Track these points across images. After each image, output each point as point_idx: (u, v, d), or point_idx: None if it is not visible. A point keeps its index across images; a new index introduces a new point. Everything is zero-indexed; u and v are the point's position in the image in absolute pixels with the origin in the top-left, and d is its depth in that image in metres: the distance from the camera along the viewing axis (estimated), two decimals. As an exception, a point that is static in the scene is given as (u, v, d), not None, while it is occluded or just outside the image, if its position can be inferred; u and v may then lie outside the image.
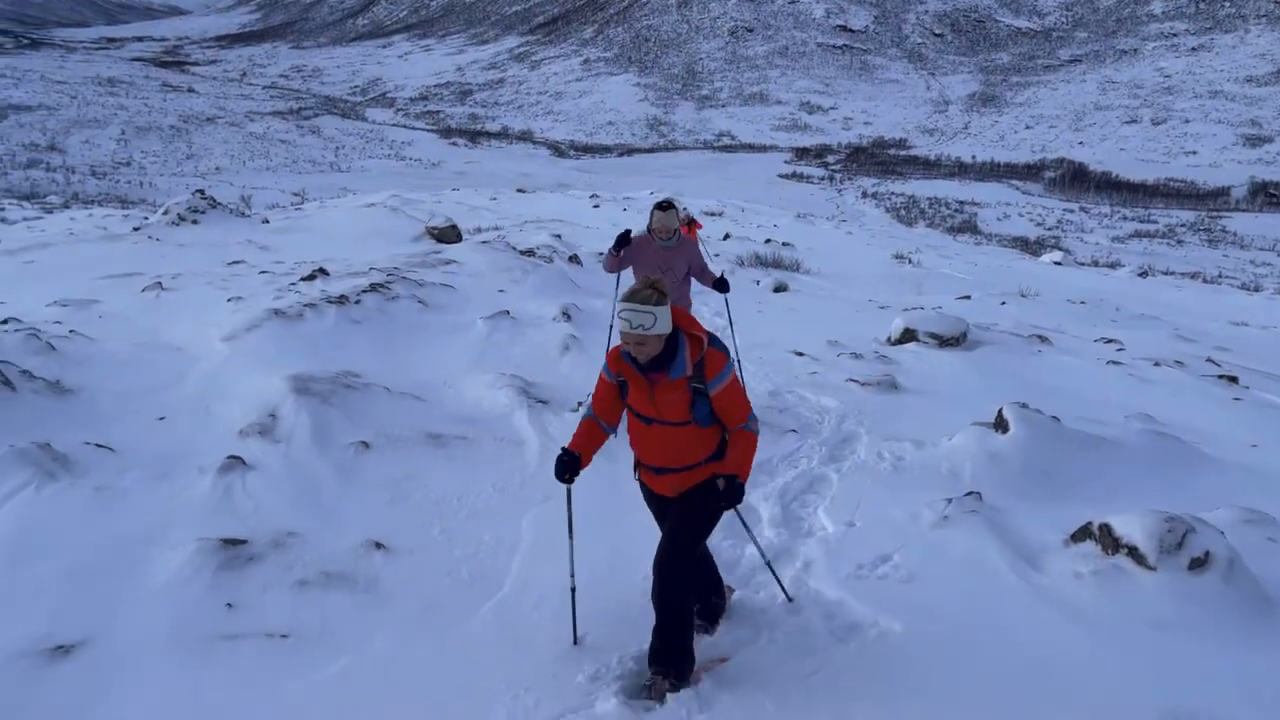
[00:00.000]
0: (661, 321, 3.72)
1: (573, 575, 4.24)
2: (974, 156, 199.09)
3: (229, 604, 4.33)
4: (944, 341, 10.58)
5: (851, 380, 8.70)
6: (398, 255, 15.63)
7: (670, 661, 3.83)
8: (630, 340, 3.74)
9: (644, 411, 3.96)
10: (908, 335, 10.82)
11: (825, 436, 7.06)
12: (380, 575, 4.72)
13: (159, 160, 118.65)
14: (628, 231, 7.29)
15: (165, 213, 22.36)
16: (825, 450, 6.75)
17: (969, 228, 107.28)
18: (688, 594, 3.93)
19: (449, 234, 20.16)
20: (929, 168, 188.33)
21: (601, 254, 16.61)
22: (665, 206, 7.09)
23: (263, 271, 13.65)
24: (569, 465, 3.99)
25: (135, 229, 22.12)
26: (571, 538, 4.27)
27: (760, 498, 5.85)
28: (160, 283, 12.43)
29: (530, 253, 15.79)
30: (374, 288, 10.88)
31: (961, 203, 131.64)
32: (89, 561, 4.61)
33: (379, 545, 5.01)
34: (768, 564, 4.63)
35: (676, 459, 3.99)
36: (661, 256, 7.10)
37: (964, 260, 30.91)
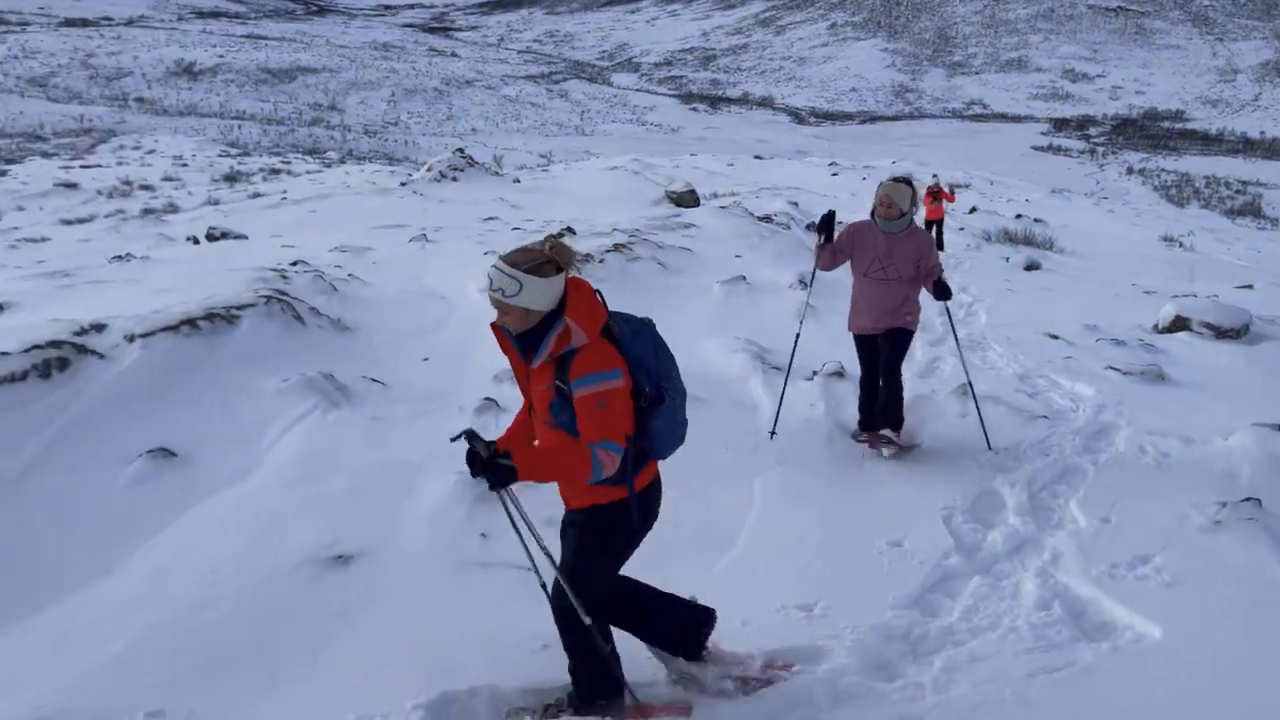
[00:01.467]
0: (530, 293, 3.05)
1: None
2: (1263, 132, 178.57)
3: (483, 534, 4.66)
4: (1222, 333, 9.61)
5: (1111, 368, 8.10)
6: (638, 217, 15.98)
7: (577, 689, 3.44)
8: (492, 303, 3.15)
9: (524, 398, 3.45)
10: (1179, 324, 9.92)
11: (1080, 426, 6.62)
12: (620, 522, 4.91)
13: (422, 120, 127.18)
14: (831, 213, 6.25)
15: (429, 170, 24.02)
16: (1079, 440, 6.33)
17: (1251, 210, 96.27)
18: (578, 629, 3.34)
19: (687, 198, 20.41)
20: (1208, 142, 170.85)
21: (812, 226, 16.27)
22: (899, 180, 6.04)
23: (515, 228, 14.39)
24: (480, 466, 3.03)
25: (402, 184, 23.94)
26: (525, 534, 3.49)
27: (1006, 483, 5.58)
28: (425, 234, 13.38)
29: (767, 219, 15.73)
30: (617, 248, 11.21)
31: (1245, 183, 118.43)
32: (365, 483, 5.10)
33: (618, 494, 5.21)
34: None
35: None
36: (883, 245, 5.98)
37: (1245, 245, 27.93)
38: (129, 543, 4.39)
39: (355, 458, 5.36)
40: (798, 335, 6.97)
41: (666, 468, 5.34)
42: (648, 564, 3.79)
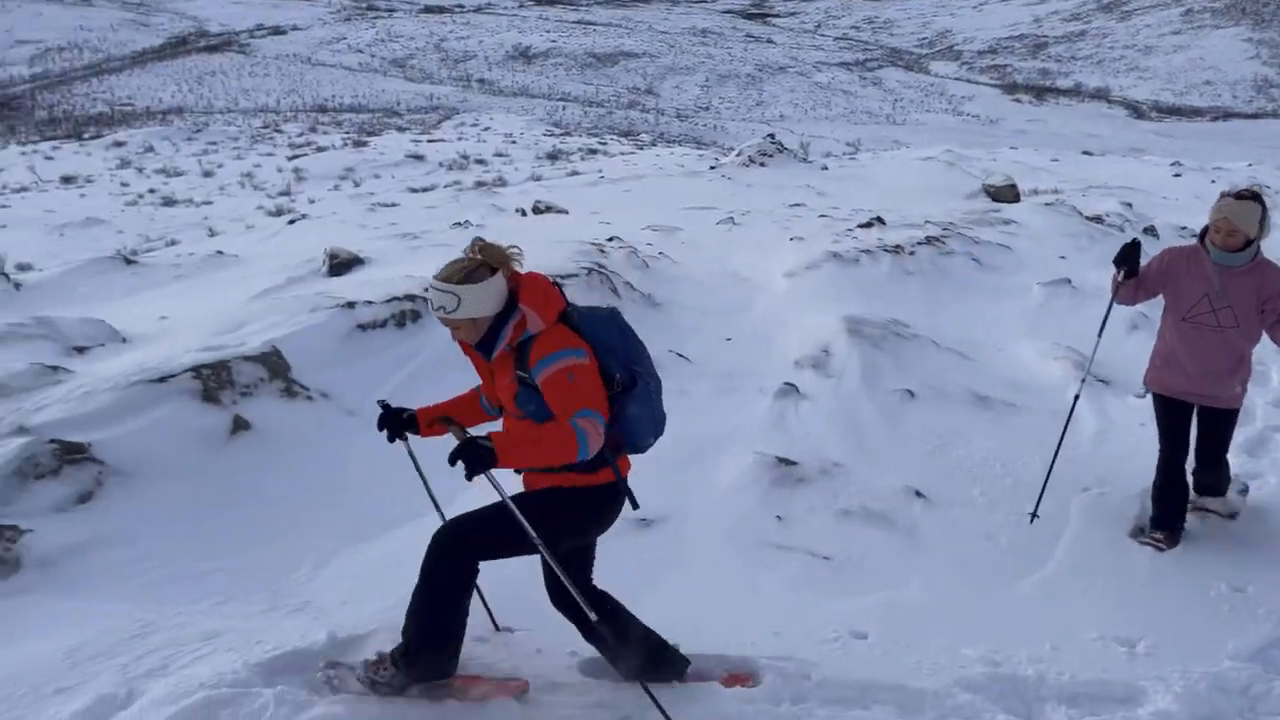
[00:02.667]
0: (470, 303, 3.05)
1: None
2: None
3: (779, 516, 4.70)
4: None
5: None
6: (952, 210, 15.29)
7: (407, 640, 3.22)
8: (441, 323, 3.20)
9: (490, 397, 3.42)
10: None
11: None
12: (919, 522, 4.77)
13: (732, 106, 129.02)
14: (1135, 243, 5.03)
15: (738, 154, 24.33)
16: None
17: None
18: (446, 563, 3.18)
19: (1006, 193, 19.26)
20: None
21: (1184, 230, 14.66)
22: (1244, 196, 4.57)
23: (821, 215, 14.26)
24: (381, 422, 3.52)
25: (711, 167, 24.44)
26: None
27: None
28: (732, 217, 13.61)
29: (1097, 219, 14.49)
30: (929, 241, 10.80)
31: None
32: (667, 453, 5.25)
33: (919, 493, 5.06)
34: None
35: None
36: (1217, 282, 4.54)
37: None
38: (458, 483, 4.83)
39: (669, 427, 5.56)
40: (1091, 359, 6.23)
41: (979, 470, 5.10)
42: (945, 571, 3.64)
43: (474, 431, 3.11)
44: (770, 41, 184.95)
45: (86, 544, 3.94)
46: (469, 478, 2.93)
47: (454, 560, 3.15)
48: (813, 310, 7.99)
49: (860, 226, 12.29)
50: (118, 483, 4.29)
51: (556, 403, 3.01)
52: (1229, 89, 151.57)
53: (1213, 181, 31.16)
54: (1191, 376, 4.71)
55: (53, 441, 4.36)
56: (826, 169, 24.33)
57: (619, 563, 4.21)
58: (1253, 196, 4.61)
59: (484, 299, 3.09)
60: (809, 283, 8.88)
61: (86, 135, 56.78)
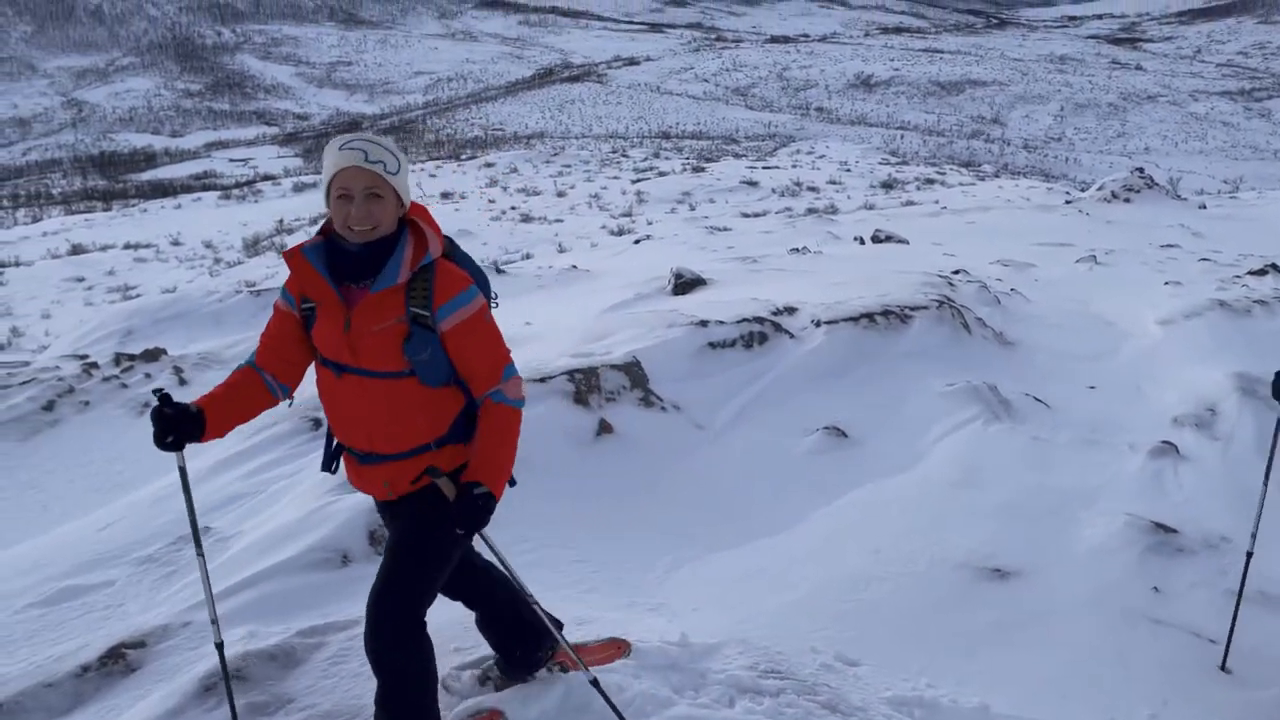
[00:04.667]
0: (404, 178, 2.45)
1: (215, 623, 2.82)
2: None
3: (1155, 588, 4.24)
4: None
5: None
6: (1370, 262, 13.13)
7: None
8: (353, 187, 2.36)
9: (334, 354, 2.50)
10: None
11: None
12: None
13: (1089, 137, 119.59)
14: None
15: (1099, 189, 22.52)
16: None
17: None
18: (408, 649, 2.53)
19: None
20: None
21: None
22: None
23: (1201, 259, 12.83)
24: (168, 421, 2.47)
25: (1066, 201, 22.81)
26: (200, 552, 2.80)
27: None
28: (1094, 256, 12.59)
29: None
30: (1342, 295, 9.33)
31: None
32: (1024, 503, 4.96)
33: (1333, 586, 4.35)
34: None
35: (388, 438, 2.52)
36: None
37: None
38: (804, 506, 4.85)
39: (1015, 475, 5.24)
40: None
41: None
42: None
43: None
44: (1139, 68, 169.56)
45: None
46: (470, 537, 2.51)
47: (408, 619, 2.58)
48: (1194, 363, 7.17)
49: (1251, 273, 10.89)
50: (502, 468, 4.74)
51: (480, 354, 2.53)
52: None
53: None
54: None
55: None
56: (1204, 208, 21.85)
57: (972, 613, 4.01)
58: None
59: (407, 187, 2.53)
60: (1188, 332, 7.98)
61: (464, 156, 63.83)
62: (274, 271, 23.57)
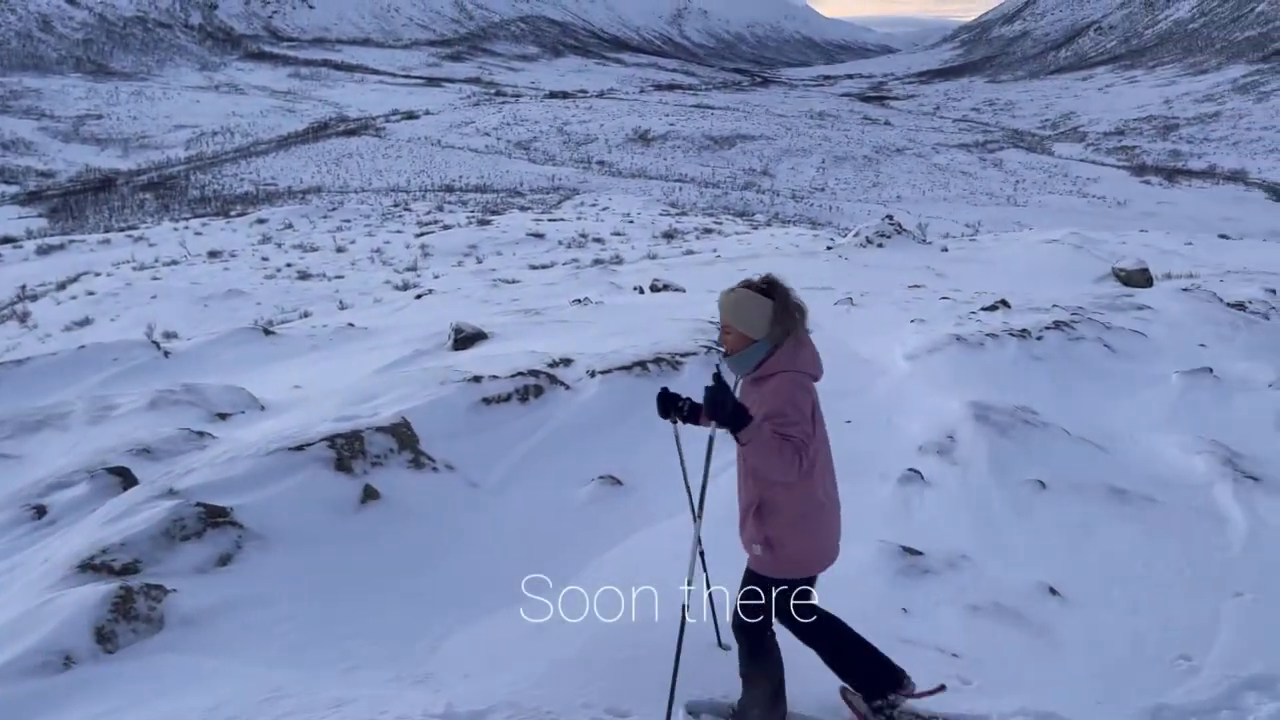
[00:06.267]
0: None
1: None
2: None
3: (904, 609, 4.53)
4: None
5: None
6: (1080, 295, 14.82)
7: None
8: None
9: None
10: None
11: None
12: (1054, 623, 4.53)
13: (848, 187, 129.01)
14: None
15: (856, 235, 24.25)
16: None
17: None
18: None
19: (1138, 277, 18.63)
20: None
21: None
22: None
23: (943, 297, 14.02)
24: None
25: (827, 248, 24.40)
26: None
27: None
28: (850, 298, 13.50)
29: (1240, 306, 13.78)
30: (1057, 325, 10.46)
31: None
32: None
33: (1053, 591, 4.81)
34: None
35: None
36: None
37: None
38: (582, 556, 4.85)
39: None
40: None
41: (1118, 570, 4.85)
42: (1083, 679, 3.40)
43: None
44: (888, 123, 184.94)
45: (226, 605, 4.08)
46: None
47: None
48: (936, 394, 7.80)
49: (984, 309, 12.02)
50: (256, 546, 4.46)
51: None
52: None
53: (1366, 267, 29.42)
54: None
55: (198, 505, 4.58)
56: (946, 250, 23.98)
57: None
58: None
59: None
60: (931, 366, 8.69)
61: (233, 213, 60.73)
62: (15, 343, 21.39)
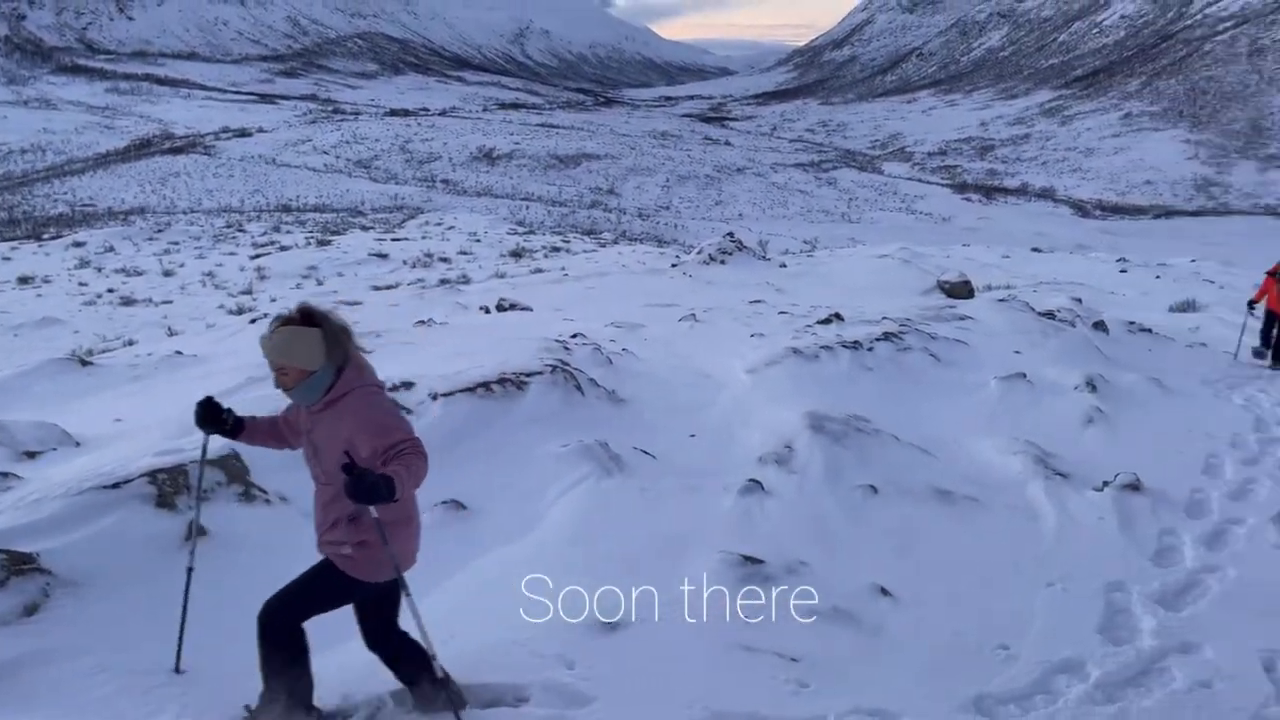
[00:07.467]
0: None
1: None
2: None
3: (746, 617, 4.65)
4: None
5: None
6: (908, 306, 15.62)
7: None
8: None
9: None
10: None
11: None
12: (886, 622, 4.74)
13: (692, 205, 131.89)
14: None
15: (699, 252, 24.79)
16: None
17: None
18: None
19: (960, 289, 19.78)
20: None
21: (1132, 324, 15.09)
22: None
23: (781, 312, 14.50)
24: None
25: (672, 265, 24.84)
26: None
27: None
28: (694, 314, 13.78)
29: (1049, 315, 14.85)
30: (887, 336, 11.00)
31: None
32: (635, 552, 5.24)
33: (885, 591, 5.04)
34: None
35: None
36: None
37: None
38: (425, 585, 4.73)
39: (626, 526, 5.54)
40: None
41: (945, 568, 5.11)
42: (913, 673, 3.55)
43: None
44: (728, 143, 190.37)
45: (33, 658, 3.78)
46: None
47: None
48: (775, 406, 8.05)
49: (819, 323, 12.50)
50: (67, 593, 4.15)
51: None
52: (1169, 188, 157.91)
53: (1157, 277, 32.27)
54: None
55: (0, 552, 4.23)
56: (785, 266, 24.83)
57: (591, 668, 4.14)
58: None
59: None
60: (770, 379, 8.97)
61: (46, 236, 56.54)
62: None
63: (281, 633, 3.62)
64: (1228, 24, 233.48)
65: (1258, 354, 13.56)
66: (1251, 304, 14.14)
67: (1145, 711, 4.06)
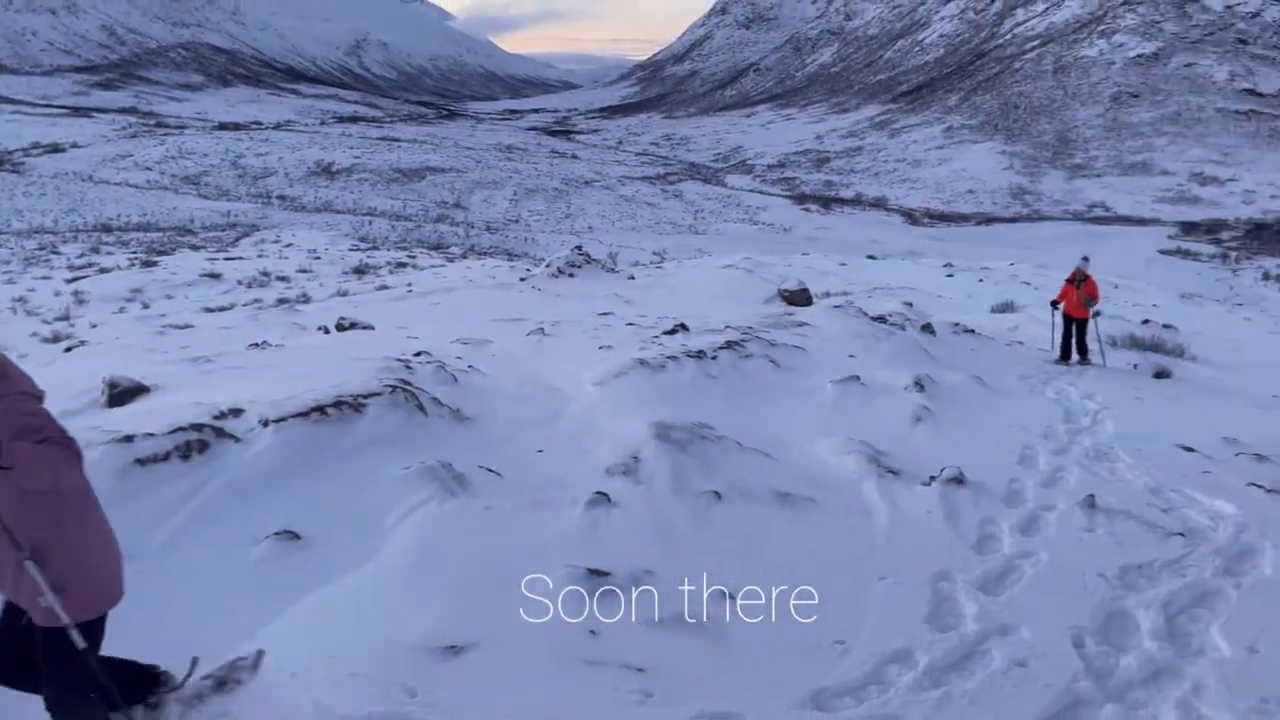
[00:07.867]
0: None
1: None
2: None
3: (592, 631, 4.64)
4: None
5: (1255, 485, 7.63)
6: (751, 315, 16.05)
7: None
8: None
9: None
10: (1330, 440, 9.30)
11: (1220, 545, 6.24)
12: (731, 627, 4.83)
13: (542, 218, 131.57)
14: None
15: (548, 266, 24.77)
16: (1220, 561, 5.96)
17: None
18: None
19: (799, 297, 20.48)
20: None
21: (957, 326, 16.00)
22: None
23: (629, 323, 14.65)
24: None
25: (521, 279, 24.73)
26: None
27: (1139, 604, 5.28)
28: (542, 328, 13.74)
29: (881, 319, 15.57)
30: (729, 345, 11.27)
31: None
32: (478, 573, 5.16)
33: (729, 596, 5.14)
34: None
35: None
36: None
37: None
38: (253, 623, 4.53)
39: (470, 547, 5.44)
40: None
41: (787, 568, 5.24)
42: (757, 676, 3.63)
43: None
44: (575, 157, 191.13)
45: None
46: None
47: None
48: (622, 417, 8.11)
49: (666, 333, 12.69)
50: None
51: None
52: (989, 196, 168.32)
53: (980, 280, 34.36)
54: None
55: None
56: (634, 278, 25.12)
57: (432, 694, 4.04)
58: None
59: None
60: (618, 390, 9.03)
61: None
62: None
63: (81, 698, 3.37)
64: (1034, 43, 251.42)
65: (1056, 362, 14.59)
66: (1055, 304, 15.25)
67: (967, 693, 4.29)
